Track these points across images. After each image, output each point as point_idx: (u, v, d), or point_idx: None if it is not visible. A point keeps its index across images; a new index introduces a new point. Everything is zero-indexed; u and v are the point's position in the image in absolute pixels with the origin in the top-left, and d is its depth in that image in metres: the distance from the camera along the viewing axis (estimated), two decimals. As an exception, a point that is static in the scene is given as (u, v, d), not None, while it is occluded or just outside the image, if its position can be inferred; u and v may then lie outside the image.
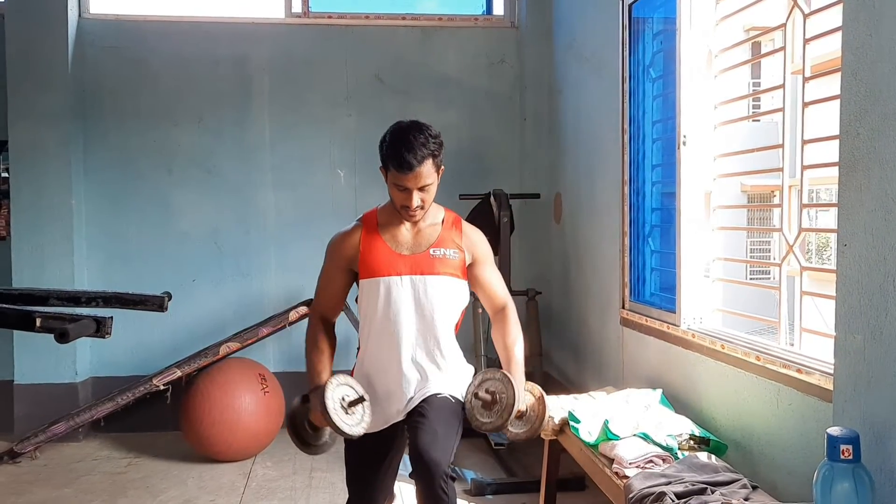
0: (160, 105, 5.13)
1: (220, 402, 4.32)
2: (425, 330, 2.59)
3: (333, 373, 2.54)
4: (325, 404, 2.39)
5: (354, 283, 2.69)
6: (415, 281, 2.58)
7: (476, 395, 2.58)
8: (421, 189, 2.52)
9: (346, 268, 2.66)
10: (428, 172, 2.51)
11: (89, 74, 5.07)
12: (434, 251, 2.60)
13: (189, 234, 5.17)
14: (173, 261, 5.14)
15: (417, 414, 2.54)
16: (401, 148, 2.48)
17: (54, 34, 4.88)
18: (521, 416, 2.66)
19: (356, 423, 2.47)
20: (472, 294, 2.77)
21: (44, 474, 4.32)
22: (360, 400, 2.50)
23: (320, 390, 2.43)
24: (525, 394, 2.66)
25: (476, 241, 2.72)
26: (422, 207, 2.55)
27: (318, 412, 2.45)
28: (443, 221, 2.67)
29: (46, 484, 4.16)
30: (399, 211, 2.58)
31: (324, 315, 2.70)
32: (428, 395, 2.57)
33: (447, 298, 2.62)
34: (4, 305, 2.63)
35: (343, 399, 2.46)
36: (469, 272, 2.71)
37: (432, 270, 2.59)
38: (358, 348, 2.75)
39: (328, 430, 2.60)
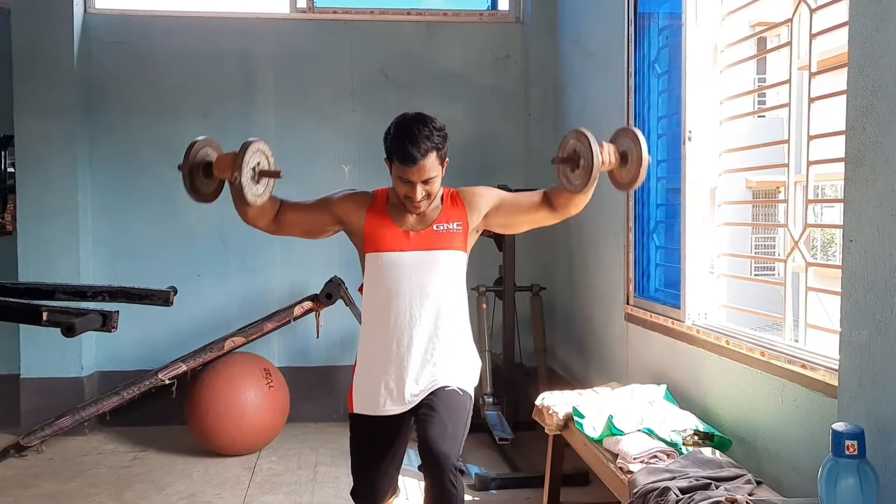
0: (165, 100, 5.14)
1: (225, 396, 4.33)
2: (430, 305, 2.57)
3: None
4: (241, 158, 2.32)
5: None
6: (419, 256, 2.58)
7: (563, 159, 2.50)
8: (425, 182, 2.51)
9: (339, 216, 2.65)
10: (432, 165, 2.50)
11: (95, 69, 5.08)
12: (438, 227, 2.60)
13: (194, 229, 5.18)
14: (179, 256, 5.15)
15: (426, 407, 2.54)
16: (404, 141, 2.47)
17: (60, 29, 4.88)
18: (622, 161, 2.53)
19: (259, 194, 2.42)
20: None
21: (50, 468, 4.33)
22: (274, 174, 2.43)
23: (244, 144, 2.35)
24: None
25: (475, 195, 2.67)
26: (427, 199, 2.55)
27: (226, 161, 2.38)
28: (442, 199, 2.66)
29: (53, 477, 4.18)
30: (403, 202, 2.58)
31: (282, 206, 2.65)
32: (436, 387, 2.57)
33: (451, 273, 2.62)
34: (11, 299, 2.64)
35: (258, 164, 2.40)
36: (494, 218, 2.67)
37: (436, 245, 2.59)
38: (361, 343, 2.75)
39: (219, 182, 2.49)
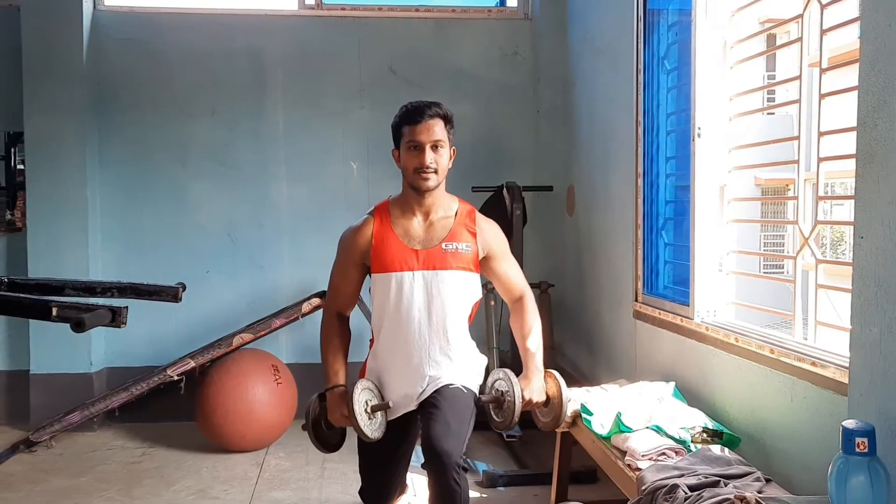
0: (175, 97, 5.15)
1: (234, 392, 4.34)
2: (438, 324, 2.60)
3: (351, 374, 2.66)
4: (352, 408, 2.48)
5: (368, 275, 2.70)
6: (427, 276, 2.58)
7: (485, 397, 2.68)
8: (434, 148, 2.53)
9: (360, 262, 2.67)
10: (440, 130, 2.56)
11: (104, 67, 5.09)
12: (446, 245, 2.60)
13: (203, 226, 5.19)
14: (187, 252, 5.16)
15: (430, 405, 2.54)
16: (412, 107, 2.59)
17: (69, 27, 4.90)
18: (545, 403, 2.73)
19: (376, 428, 2.56)
20: (486, 285, 2.78)
21: (60, 463, 4.35)
22: (384, 406, 2.59)
23: (347, 395, 2.53)
24: (544, 383, 2.71)
25: (491, 234, 2.71)
26: (435, 172, 2.55)
27: (340, 414, 2.56)
28: (456, 214, 2.66)
29: (62, 473, 4.20)
30: (412, 179, 2.57)
31: (339, 310, 2.72)
32: (440, 385, 2.58)
33: (459, 293, 2.63)
34: (21, 295, 2.65)
35: (367, 403, 2.55)
36: (484, 265, 2.72)
37: (444, 265, 2.59)
38: (371, 340, 2.75)
39: (342, 429, 2.70)
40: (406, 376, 2.62)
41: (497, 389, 2.68)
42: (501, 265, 2.75)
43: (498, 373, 2.70)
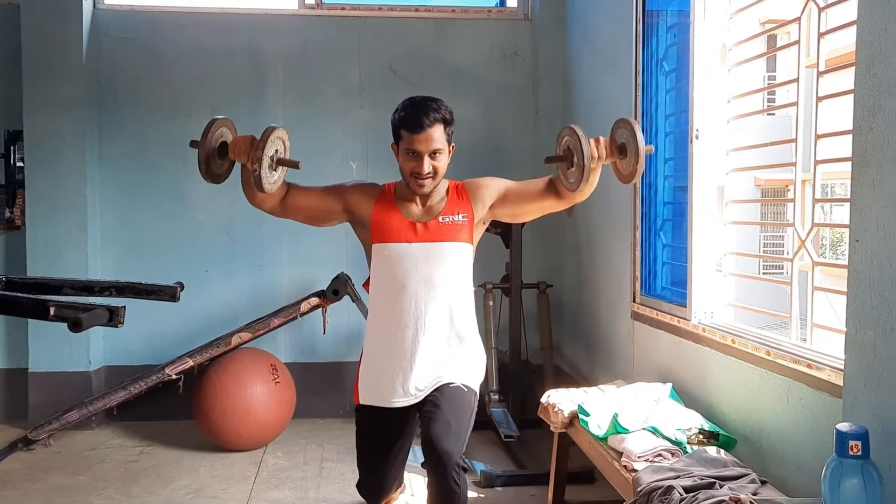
0: (175, 95, 5.15)
1: (232, 391, 4.35)
2: (436, 297, 2.59)
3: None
4: (263, 145, 2.33)
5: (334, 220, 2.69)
6: (425, 248, 2.58)
7: (552, 157, 2.50)
8: (432, 155, 2.52)
9: (348, 204, 2.66)
10: (439, 137, 2.52)
11: (104, 65, 5.09)
12: (443, 218, 2.62)
13: (203, 224, 5.19)
14: (187, 251, 5.17)
15: (430, 404, 2.54)
16: (413, 110, 2.53)
17: (69, 25, 4.89)
18: (621, 152, 2.48)
19: (274, 181, 2.43)
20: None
21: (58, 461, 4.36)
22: (293, 164, 2.43)
23: (265, 130, 2.37)
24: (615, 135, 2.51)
25: (480, 186, 2.69)
26: (433, 177, 2.54)
27: (244, 145, 2.38)
28: (447, 192, 2.67)
29: (60, 471, 4.20)
30: (409, 181, 2.57)
31: (290, 190, 2.64)
32: (441, 384, 2.58)
33: (457, 265, 2.62)
34: (19, 294, 2.66)
35: (276, 152, 2.41)
36: (502, 206, 2.67)
37: (442, 237, 2.60)
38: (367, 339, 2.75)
39: (231, 163, 2.49)
40: (403, 351, 2.59)
41: (564, 148, 2.48)
42: (512, 190, 2.68)
43: (564, 131, 2.50)
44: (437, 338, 2.60)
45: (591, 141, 2.43)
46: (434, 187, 2.58)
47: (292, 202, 2.64)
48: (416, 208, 2.64)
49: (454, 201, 2.66)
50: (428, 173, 2.52)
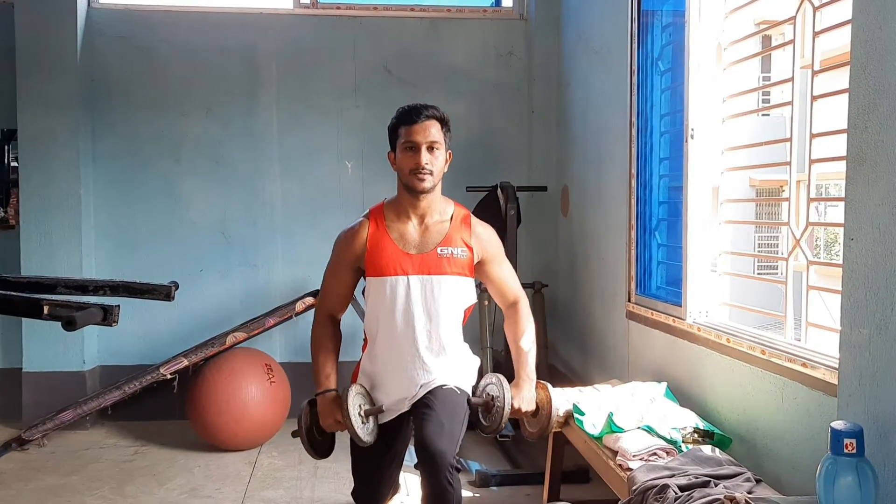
0: (169, 94, 5.14)
1: (227, 391, 4.34)
2: (432, 328, 2.60)
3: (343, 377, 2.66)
4: (347, 413, 2.49)
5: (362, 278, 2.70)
6: (422, 281, 2.58)
7: (475, 400, 2.70)
8: (430, 149, 2.53)
9: (354, 265, 2.66)
10: (436, 132, 2.57)
11: (98, 64, 5.08)
12: (442, 250, 2.60)
13: (197, 223, 5.18)
14: (181, 250, 5.16)
15: (423, 405, 2.55)
16: (409, 108, 2.60)
17: (63, 23, 4.88)
18: (534, 414, 2.77)
19: (369, 432, 2.57)
20: (479, 285, 2.78)
21: (51, 461, 4.35)
22: (377, 411, 2.60)
23: (340, 400, 2.55)
24: (535, 393, 2.74)
25: (486, 240, 2.71)
26: (431, 173, 2.55)
27: (334, 420, 2.57)
28: (451, 218, 2.66)
29: (54, 471, 4.19)
30: (409, 180, 2.57)
31: (331, 312, 2.72)
32: (433, 386, 2.58)
33: (454, 298, 2.63)
34: (13, 293, 2.65)
35: (360, 407, 2.55)
36: (479, 269, 2.72)
37: (440, 270, 2.59)
38: (364, 340, 2.75)
39: (332, 434, 2.72)
40: (400, 380, 2.61)
41: (487, 394, 2.70)
42: (496, 270, 2.76)
43: (490, 377, 2.72)
44: (433, 362, 2.62)
45: (514, 402, 2.65)
46: (434, 186, 2.58)
47: (342, 313, 2.77)
48: (411, 228, 2.62)
49: (456, 231, 2.64)
50: (426, 165, 2.53)
